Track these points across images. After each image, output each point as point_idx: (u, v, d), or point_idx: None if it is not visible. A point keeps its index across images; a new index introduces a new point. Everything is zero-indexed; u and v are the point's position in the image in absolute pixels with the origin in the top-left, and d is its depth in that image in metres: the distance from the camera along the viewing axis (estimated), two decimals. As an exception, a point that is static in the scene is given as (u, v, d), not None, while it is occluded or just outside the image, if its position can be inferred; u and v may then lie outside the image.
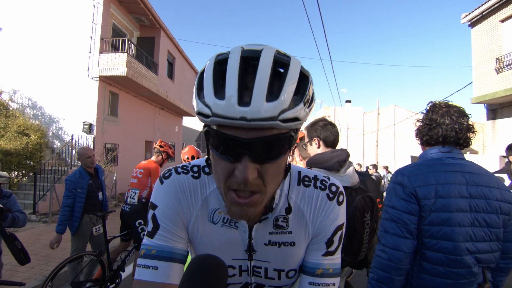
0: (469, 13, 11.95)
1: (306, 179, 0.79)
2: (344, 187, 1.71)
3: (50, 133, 10.70)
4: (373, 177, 8.27)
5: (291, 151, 0.66)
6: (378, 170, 9.59)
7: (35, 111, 10.85)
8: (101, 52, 10.62)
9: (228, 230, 0.75)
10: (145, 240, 0.72)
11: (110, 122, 11.37)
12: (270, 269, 0.78)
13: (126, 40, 10.95)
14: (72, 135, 10.23)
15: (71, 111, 10.53)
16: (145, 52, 12.59)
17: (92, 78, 10.54)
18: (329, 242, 0.77)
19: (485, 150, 28.82)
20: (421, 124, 1.52)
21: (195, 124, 25.06)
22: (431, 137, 1.46)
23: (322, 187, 0.78)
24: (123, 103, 12.23)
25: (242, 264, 0.78)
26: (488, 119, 12.07)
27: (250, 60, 0.57)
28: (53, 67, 10.66)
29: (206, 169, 0.77)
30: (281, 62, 0.58)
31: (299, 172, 0.80)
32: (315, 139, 2.02)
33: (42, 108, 10.82)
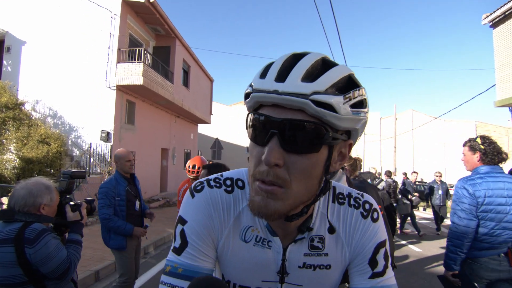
0: (490, 14, 11.59)
1: (341, 196, 0.75)
2: None
3: (70, 142, 10.98)
4: (384, 183, 8.08)
5: (331, 160, 0.61)
6: (394, 177, 9.33)
7: (55, 120, 11.18)
8: (118, 62, 10.87)
9: (261, 249, 0.70)
10: (171, 256, 0.67)
11: (127, 130, 11.58)
12: None
13: (143, 50, 11.19)
14: (90, 143, 10.45)
15: (89, 119, 10.79)
16: (161, 61, 12.81)
17: (109, 87, 10.79)
18: (372, 262, 0.72)
19: (510, 154, 27.73)
20: (482, 150, 2.34)
21: (210, 131, 25.25)
22: (491, 160, 2.31)
23: (356, 205, 0.75)
24: (140, 111, 12.44)
25: (272, 287, 0.72)
26: (513, 122, 11.58)
27: (299, 57, 0.59)
28: (72, 78, 10.99)
29: (240, 183, 0.73)
30: (329, 63, 0.59)
31: (334, 188, 0.76)
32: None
33: (62, 117, 11.14)
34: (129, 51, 11.42)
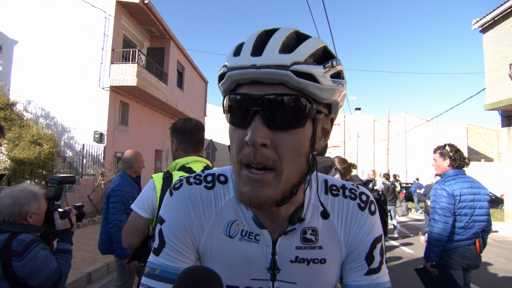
0: (481, 19, 11.80)
1: (334, 188, 0.71)
2: None
3: (62, 143, 10.87)
4: (383, 186, 8.14)
5: (315, 136, 0.59)
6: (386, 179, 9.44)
7: (48, 121, 11.06)
8: (112, 62, 10.81)
9: (248, 244, 0.65)
10: (151, 257, 0.65)
11: (121, 131, 11.50)
12: None
13: (137, 51, 11.15)
14: (83, 145, 10.37)
15: (82, 120, 10.69)
16: (155, 62, 12.77)
17: (103, 88, 10.72)
18: (369, 258, 0.68)
19: (501, 157, 28.15)
20: (451, 156, 2.77)
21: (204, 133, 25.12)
22: (459, 165, 2.75)
23: (352, 196, 0.71)
24: (134, 112, 12.37)
25: (263, 285, 0.67)
26: (503, 125, 11.79)
27: (272, 32, 0.56)
28: (65, 78, 10.89)
29: (222, 178, 0.70)
30: (303, 36, 0.57)
31: (326, 181, 0.72)
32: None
33: (55, 118, 11.03)
34: (123, 52, 11.37)
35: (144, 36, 13.72)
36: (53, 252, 1.69)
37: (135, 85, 10.46)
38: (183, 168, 1.63)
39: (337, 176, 1.84)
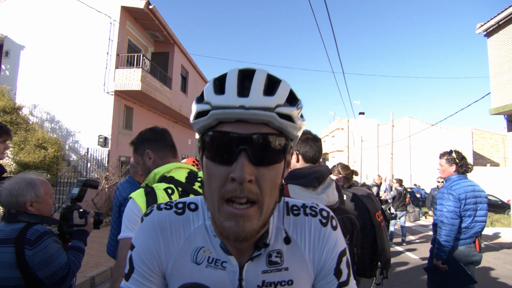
0: (485, 23, 11.77)
1: (295, 208, 0.74)
2: None
3: (67, 146, 10.94)
4: (395, 191, 8.04)
5: (285, 168, 0.64)
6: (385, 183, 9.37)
7: (53, 125, 11.14)
8: (116, 67, 10.90)
9: (214, 271, 0.66)
10: (122, 282, 0.68)
11: (125, 135, 11.56)
12: None
13: (141, 55, 11.24)
14: (88, 148, 10.43)
15: (87, 124, 10.77)
16: (159, 67, 12.86)
17: (107, 92, 10.80)
18: (338, 273, 0.71)
19: (507, 162, 27.89)
20: (457, 163, 2.98)
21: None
22: (464, 171, 2.98)
23: (313, 213, 0.73)
24: (138, 116, 12.44)
25: None
26: (508, 130, 11.70)
27: (246, 74, 0.60)
28: (70, 82, 10.99)
29: (192, 206, 0.72)
30: (274, 78, 0.61)
31: (287, 203, 0.74)
32: (294, 153, 1.90)
33: (60, 122, 11.11)
34: (127, 56, 11.46)
35: (149, 41, 13.83)
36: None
37: (140, 89, 10.53)
38: (163, 178, 1.45)
39: (333, 185, 1.79)
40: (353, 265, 1.81)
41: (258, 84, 0.57)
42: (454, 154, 3.01)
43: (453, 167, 2.99)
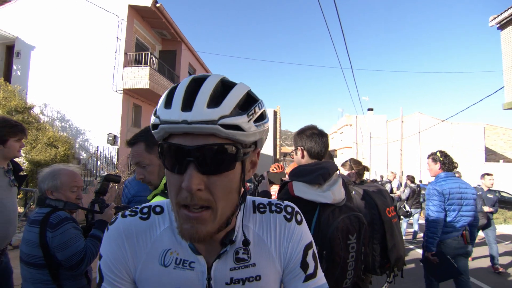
0: (498, 15, 11.47)
1: (261, 206, 0.76)
2: (326, 204, 1.62)
3: (77, 145, 11.10)
4: (409, 189, 7.91)
5: (245, 172, 0.65)
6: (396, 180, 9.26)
7: (63, 124, 11.31)
8: (125, 66, 10.99)
9: (182, 272, 0.67)
10: None
11: (134, 133, 11.63)
12: None
13: (149, 54, 11.29)
14: (97, 147, 10.55)
15: (96, 123, 10.90)
16: (167, 65, 12.91)
17: (116, 91, 10.90)
18: (304, 265, 0.73)
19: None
20: (441, 161, 3.30)
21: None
22: (448, 168, 3.29)
23: (278, 210, 0.76)
24: (146, 115, 12.52)
25: None
26: (522, 125, 11.40)
27: (200, 81, 0.61)
28: (80, 82, 11.13)
29: (157, 209, 0.73)
30: (228, 84, 0.62)
31: (253, 201, 0.77)
32: (299, 148, 1.88)
33: (70, 121, 11.27)
34: (135, 55, 11.54)
35: (156, 39, 13.89)
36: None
37: (148, 87, 10.60)
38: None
39: (340, 182, 1.75)
40: (362, 264, 1.77)
41: (203, 95, 0.58)
42: (438, 154, 3.36)
43: (438, 165, 3.32)
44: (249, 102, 0.62)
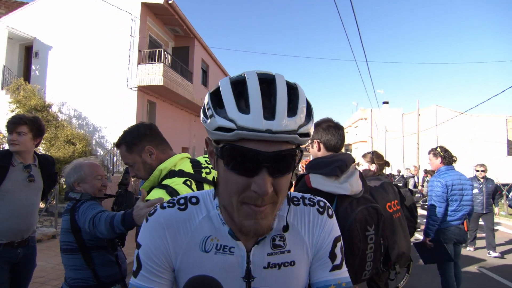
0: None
1: (295, 199, 0.81)
2: (343, 196, 1.63)
3: (94, 142, 11.34)
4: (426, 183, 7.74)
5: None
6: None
7: (80, 121, 11.57)
8: (139, 63, 11.11)
9: (223, 257, 0.71)
10: (131, 280, 0.72)
11: (148, 130, 11.79)
12: None
13: (162, 50, 11.38)
14: (114, 143, 10.74)
15: (112, 120, 11.08)
16: (180, 61, 12.98)
17: (131, 88, 11.05)
18: (332, 256, 0.77)
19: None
20: (442, 155, 3.62)
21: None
22: (448, 162, 3.60)
23: (311, 203, 0.81)
24: (160, 111, 12.66)
25: None
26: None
27: (265, 82, 0.61)
28: (95, 80, 11.34)
29: (193, 200, 0.77)
30: (292, 86, 0.64)
31: (288, 194, 0.79)
32: (315, 141, 1.89)
33: (87, 118, 11.51)
34: (149, 52, 11.65)
35: (169, 36, 13.98)
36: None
37: (162, 84, 10.70)
38: (174, 173, 1.42)
39: (357, 174, 1.73)
40: (381, 256, 1.74)
41: (281, 103, 0.59)
42: (438, 149, 3.70)
43: (439, 160, 3.65)
44: (309, 105, 0.65)
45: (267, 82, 0.61)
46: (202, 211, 0.75)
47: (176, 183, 1.35)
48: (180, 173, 1.42)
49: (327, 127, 1.86)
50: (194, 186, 1.41)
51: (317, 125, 1.90)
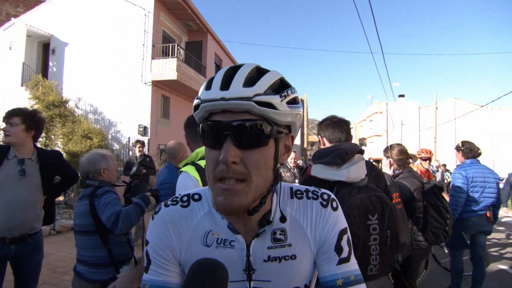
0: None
1: (298, 192, 0.81)
2: (343, 184, 1.64)
3: (110, 136, 11.52)
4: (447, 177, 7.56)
5: (278, 152, 0.70)
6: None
7: (96, 116, 11.76)
8: (153, 58, 11.18)
9: (224, 250, 0.73)
10: (143, 276, 0.75)
11: (163, 124, 11.91)
12: None
13: (176, 45, 11.41)
14: (129, 138, 10.88)
15: (127, 115, 11.23)
16: (194, 56, 13.00)
17: (145, 83, 11.14)
18: (338, 249, 0.76)
19: None
20: (463, 150, 3.82)
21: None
22: (473, 155, 3.77)
23: (314, 196, 0.80)
24: (174, 105, 12.75)
25: (240, 286, 0.74)
26: None
27: (237, 68, 0.67)
28: (111, 75, 11.48)
29: (196, 196, 0.80)
30: (262, 70, 0.68)
31: (291, 188, 0.82)
32: (320, 137, 2.03)
33: (102, 113, 11.70)
34: (162, 47, 11.69)
35: (182, 31, 14.00)
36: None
37: (175, 78, 10.74)
38: (203, 157, 1.72)
39: (362, 162, 1.71)
40: (394, 251, 1.67)
41: (239, 77, 0.63)
42: (460, 144, 3.91)
43: (460, 154, 3.86)
44: (282, 86, 0.67)
45: (236, 68, 0.66)
46: (204, 207, 0.78)
47: (203, 164, 1.64)
48: None
49: (328, 124, 1.97)
50: None
51: (321, 122, 2.04)
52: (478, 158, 3.77)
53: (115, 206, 1.94)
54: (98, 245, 1.97)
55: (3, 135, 2.44)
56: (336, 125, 1.94)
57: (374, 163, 2.07)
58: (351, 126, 2.14)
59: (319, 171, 1.70)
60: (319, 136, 2.03)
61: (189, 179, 1.53)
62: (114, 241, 2.01)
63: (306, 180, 1.78)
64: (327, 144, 1.94)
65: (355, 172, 1.64)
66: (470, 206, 3.60)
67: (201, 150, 1.74)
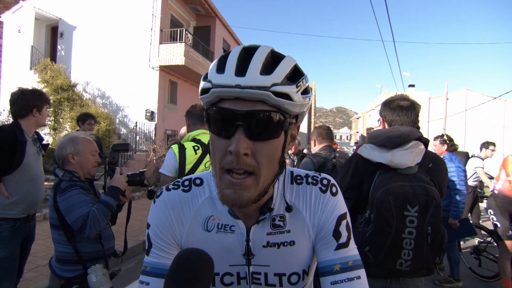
0: None
1: (298, 177, 0.80)
2: (386, 167, 1.55)
3: (117, 121, 11.58)
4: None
5: (288, 142, 0.68)
6: None
7: (104, 100, 11.80)
8: (160, 43, 11.10)
9: (224, 235, 0.74)
10: (145, 258, 0.76)
11: (170, 109, 11.91)
12: (270, 274, 0.75)
13: (184, 30, 11.29)
14: (136, 122, 10.93)
15: (134, 99, 11.24)
16: (202, 41, 12.87)
17: (153, 68, 11.10)
18: (336, 234, 0.75)
19: None
20: (449, 143, 3.98)
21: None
22: (454, 149, 4.06)
23: (314, 182, 0.79)
24: (182, 91, 12.71)
25: (240, 270, 0.76)
26: None
27: (250, 50, 0.62)
28: (118, 59, 11.46)
29: (197, 181, 0.79)
30: (277, 55, 0.64)
31: (292, 172, 0.82)
32: (381, 119, 1.87)
33: (110, 98, 11.73)
34: (170, 32, 11.59)
35: (190, 15, 13.82)
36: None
37: (183, 64, 10.67)
38: (194, 139, 2.23)
39: (408, 150, 1.59)
40: (431, 250, 1.50)
41: (256, 63, 0.59)
42: (445, 137, 3.99)
43: (445, 147, 3.94)
44: (296, 74, 0.64)
45: (251, 50, 0.62)
46: (205, 192, 0.77)
47: (188, 144, 2.18)
48: (197, 141, 2.22)
49: (396, 107, 1.77)
50: (200, 151, 2.16)
51: (387, 102, 1.84)
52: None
53: (81, 207, 1.72)
54: (64, 241, 1.79)
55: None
56: (402, 111, 1.75)
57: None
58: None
59: (366, 150, 1.65)
60: (380, 117, 1.87)
61: (172, 155, 2.12)
62: (81, 238, 1.79)
63: (353, 157, 1.73)
64: (386, 127, 1.80)
65: (400, 157, 1.53)
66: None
67: (191, 133, 2.23)
